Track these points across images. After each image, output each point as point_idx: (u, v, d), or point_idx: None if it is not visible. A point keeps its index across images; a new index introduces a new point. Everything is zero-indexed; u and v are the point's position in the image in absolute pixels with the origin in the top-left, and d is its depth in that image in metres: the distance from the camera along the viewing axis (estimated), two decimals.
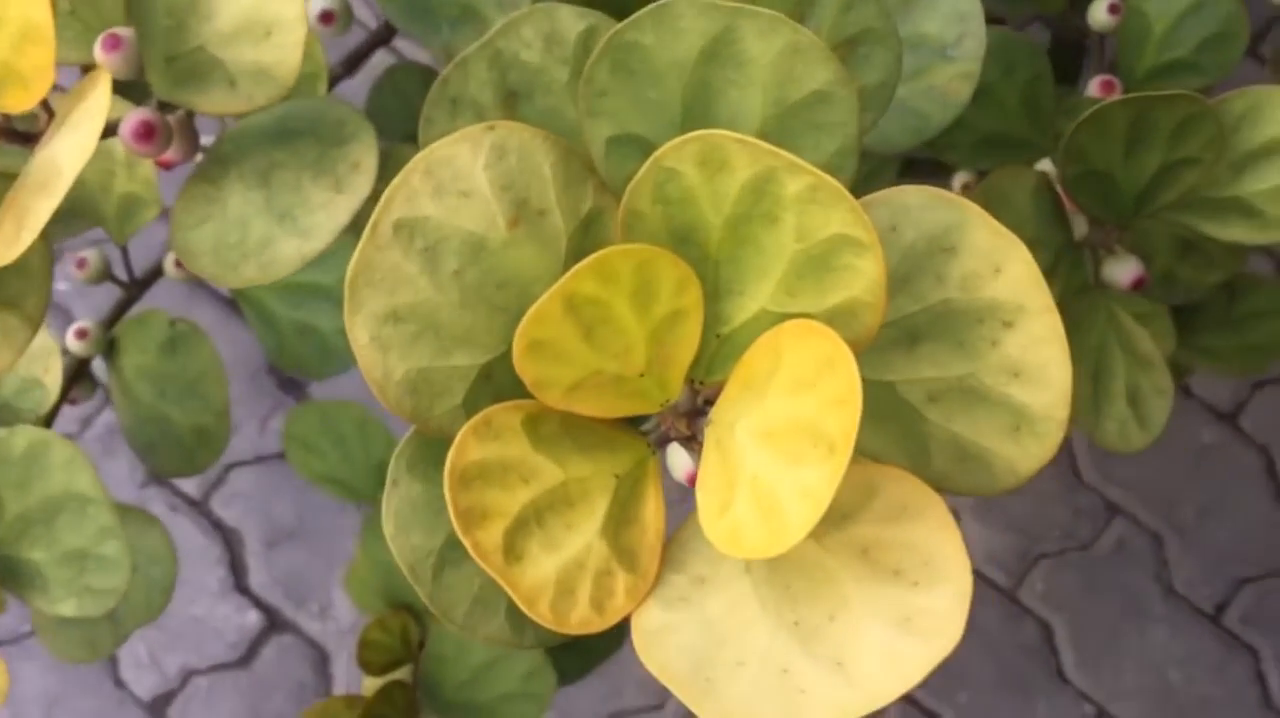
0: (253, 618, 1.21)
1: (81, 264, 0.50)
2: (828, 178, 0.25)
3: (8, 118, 0.31)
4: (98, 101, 0.27)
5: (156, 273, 0.51)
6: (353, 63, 0.55)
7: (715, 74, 0.30)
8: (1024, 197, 0.41)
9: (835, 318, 0.26)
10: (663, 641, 0.27)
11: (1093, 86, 0.48)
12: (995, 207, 0.41)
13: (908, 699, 1.16)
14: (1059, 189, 0.43)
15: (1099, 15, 0.49)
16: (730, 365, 0.27)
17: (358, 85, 0.66)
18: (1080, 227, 0.45)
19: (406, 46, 1.12)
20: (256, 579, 1.21)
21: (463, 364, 0.28)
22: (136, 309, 0.49)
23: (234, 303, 1.11)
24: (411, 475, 0.30)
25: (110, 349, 0.48)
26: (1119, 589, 1.22)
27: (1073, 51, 0.54)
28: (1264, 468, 1.22)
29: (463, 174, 0.27)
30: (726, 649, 0.26)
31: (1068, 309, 0.43)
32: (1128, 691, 1.19)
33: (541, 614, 0.26)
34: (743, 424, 0.26)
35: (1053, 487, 1.24)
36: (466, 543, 0.26)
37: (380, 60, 1.03)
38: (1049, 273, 0.42)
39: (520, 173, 0.27)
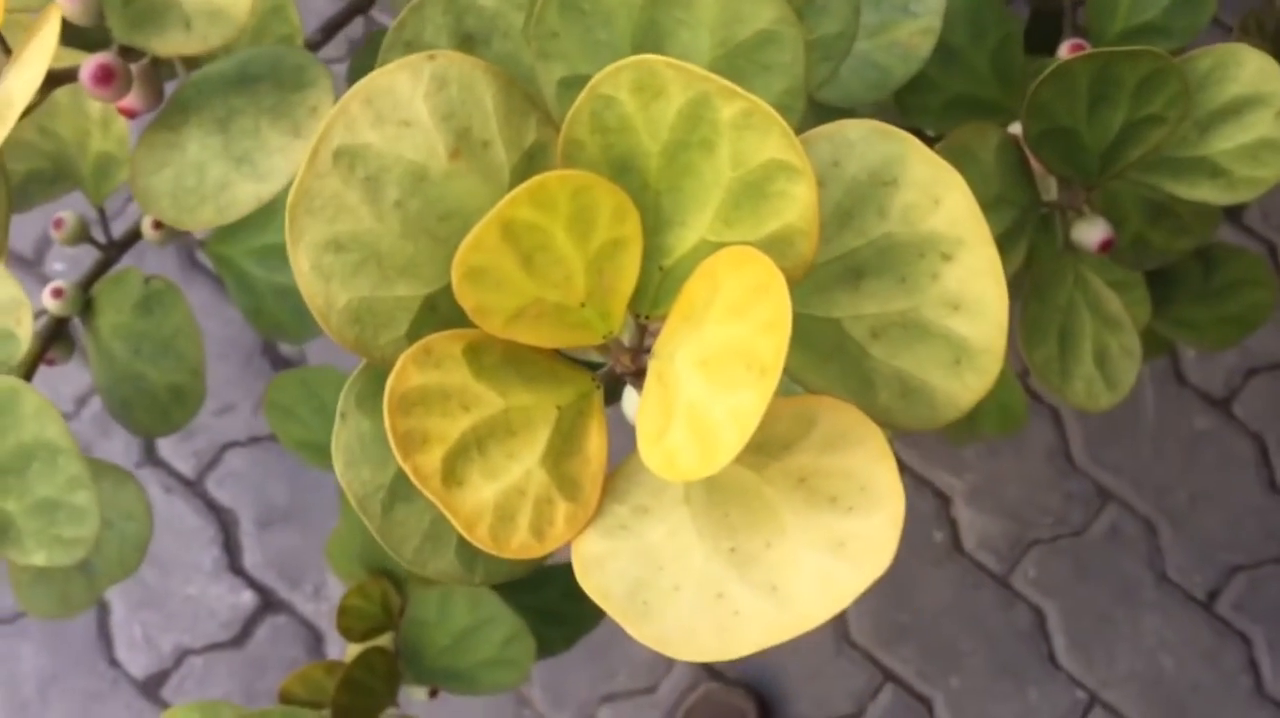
0: (247, 598, 1.21)
1: (59, 224, 0.50)
2: (761, 103, 0.25)
3: None
4: (47, 38, 0.28)
5: (135, 235, 0.51)
6: (330, 30, 0.55)
7: (663, 14, 0.30)
8: (988, 154, 0.41)
9: (772, 246, 0.26)
10: (602, 566, 0.27)
11: (1063, 50, 0.48)
12: (959, 163, 0.41)
13: (899, 683, 1.16)
14: (1026, 149, 0.43)
15: None
16: (673, 298, 0.28)
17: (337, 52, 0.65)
18: (1050, 190, 0.45)
19: (385, 17, 1.12)
20: (250, 559, 1.22)
21: (406, 295, 0.28)
22: (124, 269, 0.49)
23: None
24: (360, 411, 0.30)
25: (87, 309, 0.48)
26: (1111, 575, 1.22)
27: (1054, 20, 0.54)
28: (1257, 455, 1.22)
29: (403, 103, 0.27)
30: (664, 575, 0.27)
31: (1036, 269, 0.44)
32: (1120, 677, 1.19)
33: (481, 539, 0.27)
34: (682, 354, 0.26)
35: (1045, 472, 1.24)
36: (406, 467, 0.26)
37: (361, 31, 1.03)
38: (1015, 231, 0.42)
39: (461, 103, 0.27)
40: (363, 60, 0.65)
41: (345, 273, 0.27)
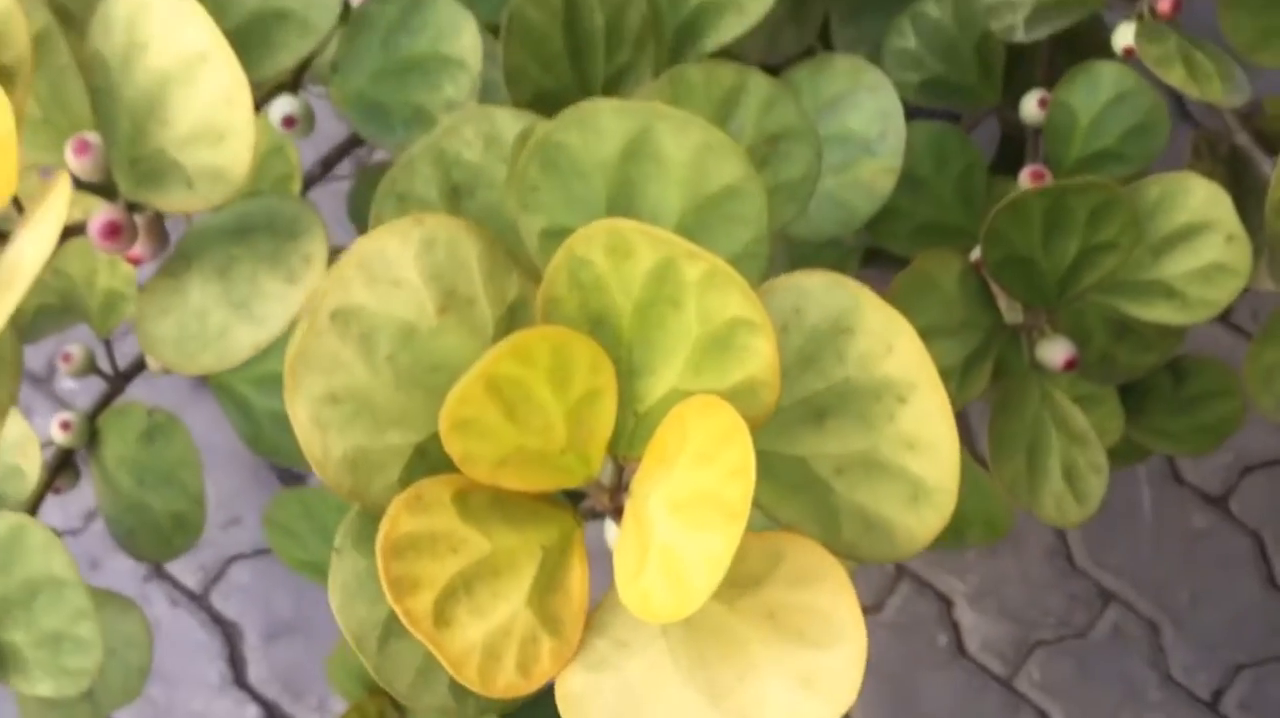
0: (252, 713, 1.21)
1: (67, 358, 0.52)
2: (723, 265, 0.27)
3: None
4: (57, 203, 0.30)
5: (139, 366, 0.53)
6: (329, 164, 0.58)
7: (636, 171, 0.32)
8: (951, 281, 0.43)
9: (737, 394, 0.28)
10: (585, 704, 0.28)
11: (1023, 176, 0.51)
12: (922, 291, 0.43)
13: None
14: (987, 275, 0.45)
15: (1030, 110, 0.52)
16: (647, 441, 0.29)
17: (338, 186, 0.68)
18: (1015, 312, 0.47)
19: (382, 151, 1.15)
20: (255, 673, 1.22)
21: (398, 443, 0.30)
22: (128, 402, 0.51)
23: None
24: (356, 549, 0.32)
25: (93, 439, 0.50)
26: (1116, 676, 1.22)
27: (1021, 144, 0.57)
28: (1255, 552, 1.23)
29: (393, 265, 0.29)
30: (644, 710, 0.28)
31: (1003, 388, 0.45)
32: None
33: (469, 678, 0.28)
34: (655, 496, 0.28)
35: (1047, 573, 1.24)
36: (398, 610, 0.28)
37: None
38: (979, 354, 0.44)
39: (448, 263, 0.29)
40: (360, 193, 0.67)
41: (341, 423, 0.29)
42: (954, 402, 0.40)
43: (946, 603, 1.22)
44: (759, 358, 0.27)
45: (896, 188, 0.45)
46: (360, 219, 0.65)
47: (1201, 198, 0.44)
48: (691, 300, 0.27)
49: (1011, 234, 0.43)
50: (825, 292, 0.29)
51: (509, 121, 0.36)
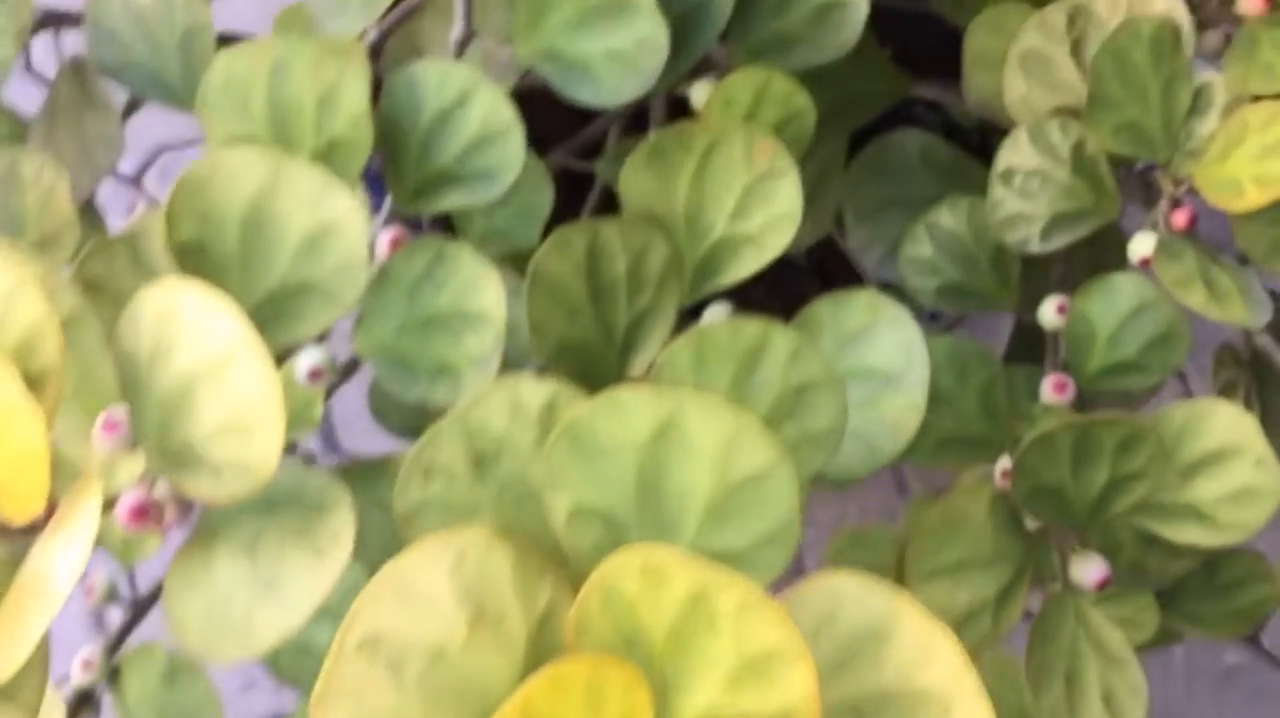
0: None
1: (89, 591, 0.52)
2: (758, 592, 0.27)
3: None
4: (87, 521, 0.30)
5: (158, 592, 0.53)
6: (348, 371, 0.58)
7: (664, 454, 0.32)
8: (981, 513, 0.43)
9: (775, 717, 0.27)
10: None
11: (1046, 388, 0.50)
12: (954, 526, 0.43)
13: None
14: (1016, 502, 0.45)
15: (1048, 316, 0.52)
16: None
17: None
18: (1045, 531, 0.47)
19: None
20: None
21: None
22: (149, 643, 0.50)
23: None
24: None
25: (113, 676, 0.50)
26: None
27: (1037, 333, 0.57)
28: None
29: (424, 585, 0.29)
30: None
31: (1039, 614, 0.45)
32: None
33: None
34: None
35: None
36: None
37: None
38: (1013, 585, 0.44)
39: (479, 578, 0.29)
40: (378, 388, 0.67)
41: None
42: (989, 638, 0.39)
43: None
44: (797, 689, 0.27)
45: None
46: (381, 412, 0.66)
47: (1226, 423, 0.43)
48: (727, 628, 0.27)
49: (1040, 467, 0.42)
50: (859, 596, 0.29)
51: (533, 390, 0.36)
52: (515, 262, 0.51)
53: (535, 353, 0.41)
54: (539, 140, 0.56)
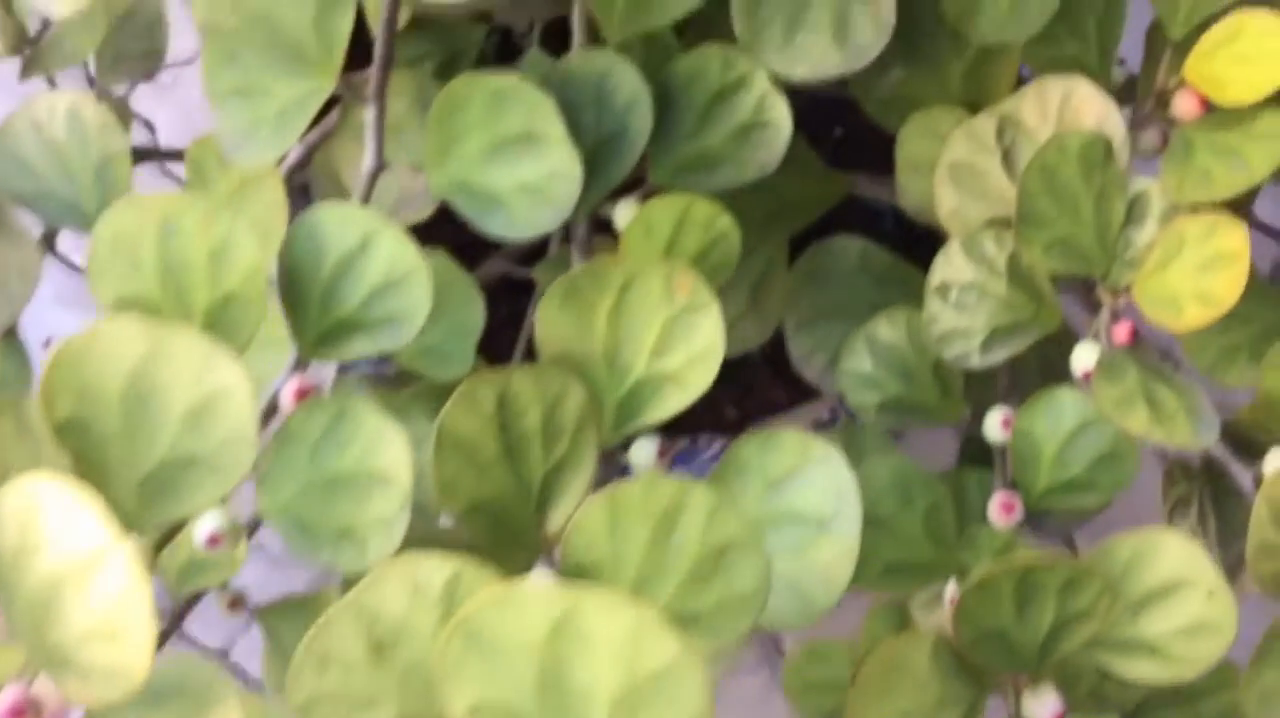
0: None
1: None
2: None
3: None
4: None
5: None
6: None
7: (564, 651, 0.30)
8: (923, 660, 0.41)
9: None
10: None
11: (994, 509, 0.49)
12: (896, 676, 0.41)
13: None
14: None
15: (993, 429, 0.50)
16: None
17: None
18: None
19: None
20: None
21: None
22: None
23: None
24: None
25: None
26: None
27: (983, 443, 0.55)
28: None
29: None
30: None
31: None
32: None
33: None
34: None
35: None
36: None
37: None
38: None
39: None
40: None
41: None
42: None
43: None
44: None
45: (862, 528, 0.43)
46: None
47: (1176, 555, 0.41)
48: None
49: (982, 613, 0.40)
50: None
51: (434, 569, 0.35)
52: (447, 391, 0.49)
53: (445, 513, 0.39)
54: (476, 246, 0.54)
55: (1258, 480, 0.47)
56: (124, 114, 0.61)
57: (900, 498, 0.47)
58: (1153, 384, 0.44)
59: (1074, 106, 0.46)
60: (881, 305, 0.53)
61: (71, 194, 0.55)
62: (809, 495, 0.41)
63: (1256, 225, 0.52)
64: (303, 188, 0.65)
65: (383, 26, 0.48)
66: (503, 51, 0.68)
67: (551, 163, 0.44)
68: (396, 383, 0.57)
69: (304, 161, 0.55)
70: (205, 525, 0.41)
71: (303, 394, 0.42)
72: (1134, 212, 0.46)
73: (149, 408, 0.36)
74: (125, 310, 0.40)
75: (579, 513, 0.37)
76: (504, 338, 0.64)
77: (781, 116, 0.49)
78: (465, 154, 0.45)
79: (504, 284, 0.65)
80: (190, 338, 0.36)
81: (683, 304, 0.42)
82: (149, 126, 0.72)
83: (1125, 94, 0.55)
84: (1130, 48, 0.54)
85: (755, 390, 0.74)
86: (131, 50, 0.62)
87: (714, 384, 0.74)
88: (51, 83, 0.63)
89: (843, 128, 0.71)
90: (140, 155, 0.66)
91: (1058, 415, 0.47)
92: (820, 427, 0.71)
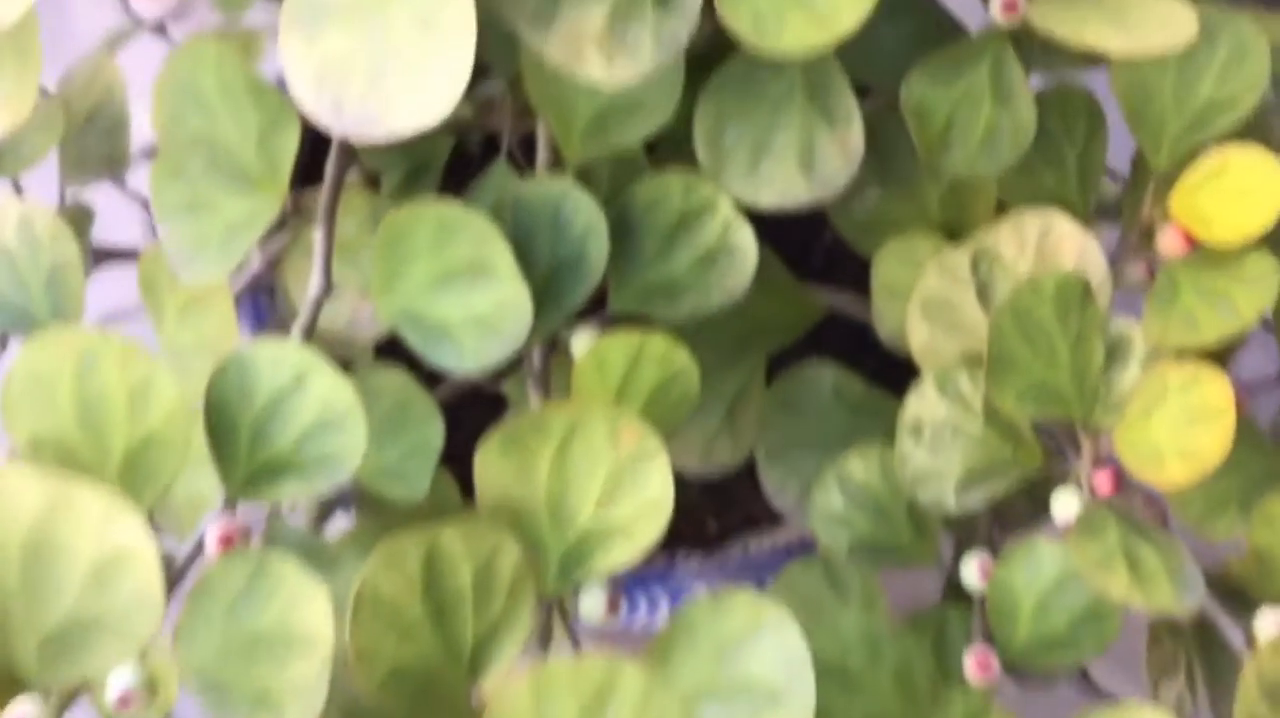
0: None
1: None
2: None
3: None
4: None
5: None
6: None
7: None
8: None
9: None
10: None
11: (969, 665, 0.46)
12: None
13: None
14: None
15: (970, 577, 0.47)
16: None
17: None
18: None
19: None
20: None
21: None
22: None
23: None
24: None
25: None
26: None
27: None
28: None
29: None
30: None
31: None
32: None
33: None
34: None
35: None
36: None
37: None
38: None
39: None
40: None
41: None
42: None
43: None
44: None
45: (828, 685, 0.40)
46: None
47: None
48: None
49: None
50: None
51: None
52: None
53: (362, 686, 0.36)
54: None
55: (1249, 639, 0.44)
56: (83, 219, 0.59)
57: (869, 654, 0.45)
58: (1134, 541, 0.42)
59: (1052, 241, 0.44)
60: (856, 436, 0.50)
61: (22, 303, 0.54)
62: (761, 663, 0.38)
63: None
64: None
65: (335, 148, 0.46)
66: (487, 153, 0.66)
67: (500, 294, 0.42)
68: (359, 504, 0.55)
69: (265, 273, 0.54)
70: (117, 683, 0.38)
71: (228, 541, 0.40)
72: (1116, 354, 0.44)
73: (51, 564, 0.34)
74: (40, 451, 0.38)
75: (500, 691, 0.34)
76: (471, 454, 0.62)
77: (747, 243, 0.46)
78: (411, 284, 0.43)
79: (474, 397, 0.63)
80: (91, 492, 0.34)
81: (630, 452, 0.40)
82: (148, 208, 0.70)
83: (1114, 211, 0.53)
84: (1118, 156, 0.51)
85: (738, 504, 0.72)
86: (95, 152, 0.60)
87: (696, 497, 0.72)
88: (17, 187, 0.62)
89: (833, 233, 0.69)
90: (102, 257, 0.64)
91: (1037, 567, 0.44)
92: (805, 545, 0.68)
